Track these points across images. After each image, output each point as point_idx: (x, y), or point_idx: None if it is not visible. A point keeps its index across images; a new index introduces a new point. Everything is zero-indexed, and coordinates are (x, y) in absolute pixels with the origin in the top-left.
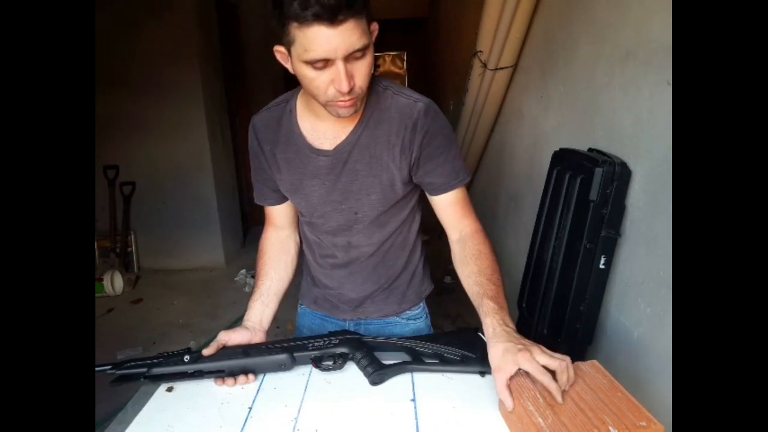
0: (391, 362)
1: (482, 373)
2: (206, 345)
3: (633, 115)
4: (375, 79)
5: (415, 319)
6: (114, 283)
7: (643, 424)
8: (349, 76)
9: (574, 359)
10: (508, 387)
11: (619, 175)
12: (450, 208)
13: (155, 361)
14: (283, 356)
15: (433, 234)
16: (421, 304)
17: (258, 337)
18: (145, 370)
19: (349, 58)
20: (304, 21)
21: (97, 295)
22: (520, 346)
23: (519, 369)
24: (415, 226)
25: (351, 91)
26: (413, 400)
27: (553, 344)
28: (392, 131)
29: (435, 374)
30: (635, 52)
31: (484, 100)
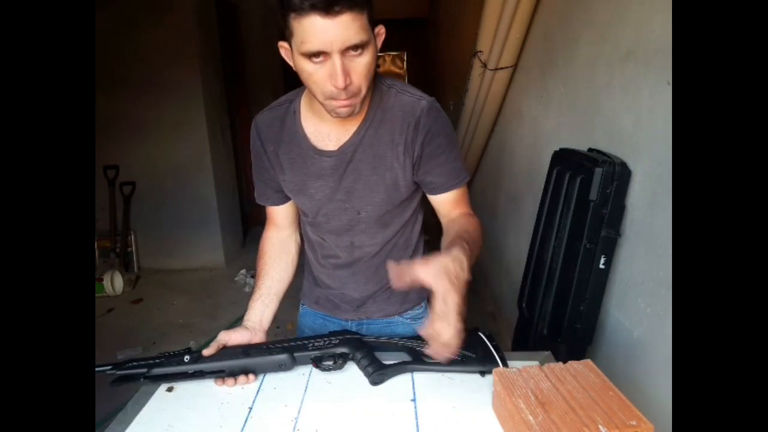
0: (392, 362)
1: (482, 373)
2: (206, 345)
3: (633, 115)
4: (379, 77)
5: (417, 319)
6: (114, 283)
7: (634, 423)
8: (346, 72)
9: (574, 359)
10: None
11: (619, 175)
12: (448, 205)
13: (155, 361)
14: (283, 356)
15: (434, 234)
16: (423, 303)
17: (258, 337)
18: (145, 370)
19: (346, 54)
20: (301, 11)
21: (97, 295)
22: (453, 278)
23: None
24: (418, 226)
25: (348, 88)
26: (413, 400)
27: (553, 344)
28: (395, 130)
29: (435, 374)
30: (635, 52)
31: (484, 100)
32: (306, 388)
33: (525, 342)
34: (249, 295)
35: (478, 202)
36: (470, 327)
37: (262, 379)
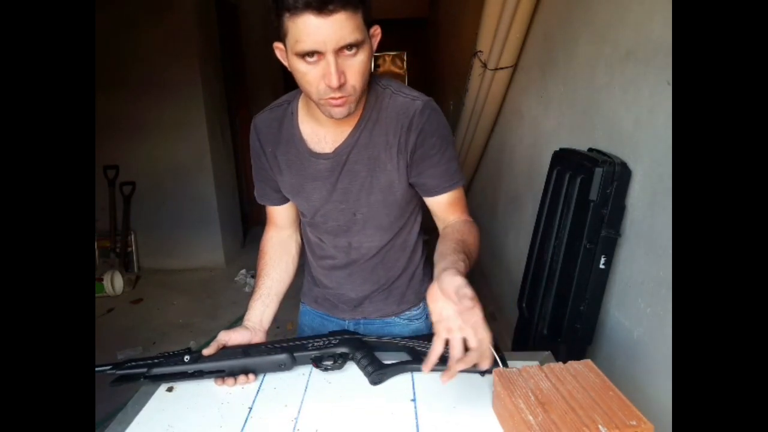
0: (391, 362)
1: (482, 373)
2: (206, 345)
3: (633, 115)
4: (375, 78)
5: (415, 320)
6: (114, 283)
7: (634, 423)
8: (340, 72)
9: (574, 359)
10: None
11: (619, 175)
12: (443, 208)
13: (155, 361)
14: (283, 356)
15: (434, 235)
16: (421, 304)
17: (258, 337)
18: (145, 370)
19: (340, 53)
20: (295, 10)
21: (97, 295)
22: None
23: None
24: (416, 227)
25: (342, 88)
26: (413, 400)
27: (553, 344)
28: (390, 132)
29: (435, 374)
30: (635, 52)
31: (484, 100)
32: (306, 388)
33: (525, 342)
34: (249, 295)
35: (478, 202)
36: None
37: (262, 379)
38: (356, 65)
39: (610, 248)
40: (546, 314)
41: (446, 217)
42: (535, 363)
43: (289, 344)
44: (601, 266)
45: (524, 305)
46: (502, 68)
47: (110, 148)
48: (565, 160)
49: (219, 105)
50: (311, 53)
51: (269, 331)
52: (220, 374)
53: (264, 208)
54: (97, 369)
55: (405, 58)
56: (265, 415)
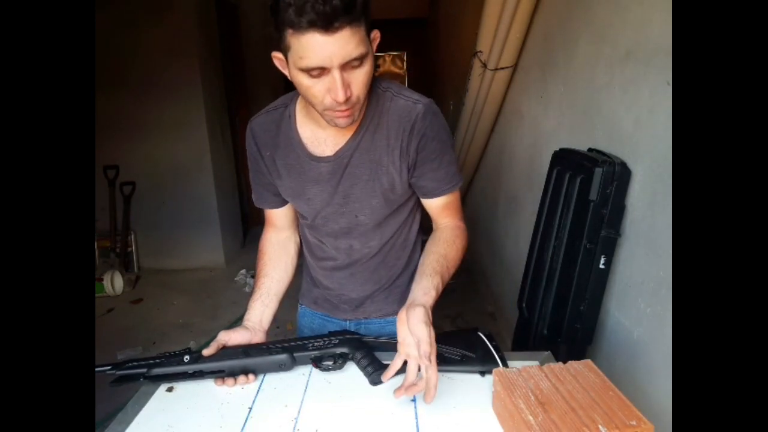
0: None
1: (482, 373)
2: (206, 345)
3: (633, 115)
4: (375, 80)
5: None
6: (114, 283)
7: (633, 423)
8: (346, 86)
9: (574, 359)
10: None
11: (619, 175)
12: (439, 210)
13: (155, 361)
14: (283, 356)
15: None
16: None
17: (258, 338)
18: (145, 370)
19: (346, 66)
20: (299, 28)
21: (97, 295)
22: (429, 324)
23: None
24: (416, 226)
25: (348, 100)
26: (413, 400)
27: (553, 344)
28: (391, 135)
29: None
30: (635, 52)
31: (484, 100)
32: (306, 388)
33: (525, 342)
34: (249, 295)
35: (477, 202)
36: (470, 327)
37: (262, 379)
38: (361, 76)
39: (610, 248)
40: (546, 314)
41: (440, 219)
42: (535, 363)
43: (289, 344)
44: (601, 266)
45: (524, 305)
46: (502, 68)
47: (110, 148)
48: (565, 160)
49: (219, 105)
50: (316, 69)
51: (269, 331)
52: (220, 374)
53: (263, 209)
54: (97, 369)
55: (405, 58)
56: (265, 415)
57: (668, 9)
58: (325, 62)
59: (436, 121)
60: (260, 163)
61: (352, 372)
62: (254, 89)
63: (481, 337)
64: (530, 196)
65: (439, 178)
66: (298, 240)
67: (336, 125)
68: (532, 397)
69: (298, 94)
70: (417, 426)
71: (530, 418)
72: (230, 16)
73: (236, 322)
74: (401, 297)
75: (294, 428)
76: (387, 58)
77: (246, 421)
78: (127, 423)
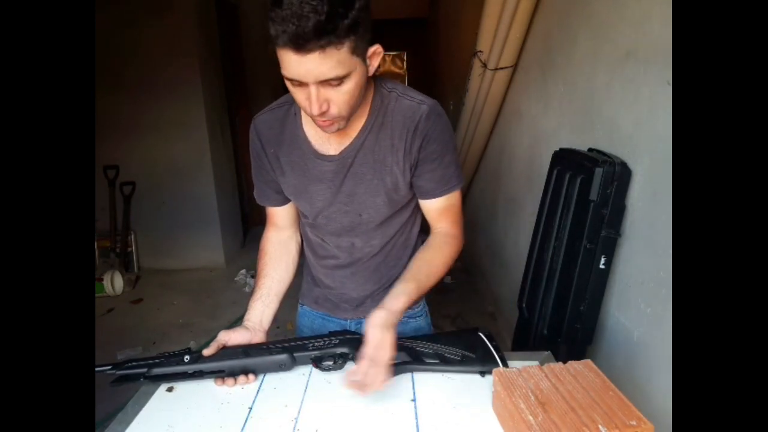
0: (391, 362)
1: (482, 373)
2: (206, 345)
3: (633, 115)
4: (381, 80)
5: (415, 318)
6: (114, 283)
7: (633, 423)
8: (321, 101)
9: (574, 359)
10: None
11: (619, 175)
12: (435, 213)
13: (155, 361)
14: (283, 356)
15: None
16: (422, 302)
17: (258, 338)
18: (145, 370)
19: (324, 83)
20: (277, 42)
21: (97, 295)
22: (387, 329)
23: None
24: (417, 225)
25: (325, 113)
26: (413, 400)
27: (553, 344)
28: (396, 135)
29: (435, 374)
30: (635, 51)
31: (484, 100)
32: (306, 388)
33: (525, 342)
34: (249, 295)
35: (477, 203)
36: (470, 327)
37: (262, 379)
38: (340, 94)
39: (610, 248)
40: (546, 314)
41: (435, 224)
42: (535, 363)
43: (290, 344)
44: (601, 266)
45: (524, 305)
46: (502, 68)
47: (110, 148)
48: (565, 160)
49: (219, 105)
50: (295, 80)
51: (269, 332)
52: (220, 374)
53: (264, 208)
54: (97, 369)
55: (405, 58)
56: (265, 415)
57: (668, 8)
58: (300, 77)
59: (439, 123)
60: (263, 159)
61: None
62: (254, 89)
63: (481, 337)
64: (530, 196)
65: (437, 179)
66: (299, 239)
67: (323, 131)
68: (532, 397)
69: None
70: (417, 426)
71: (530, 418)
72: (230, 16)
73: (236, 322)
74: None
75: (294, 428)
76: (387, 58)
77: (246, 421)
78: (127, 423)
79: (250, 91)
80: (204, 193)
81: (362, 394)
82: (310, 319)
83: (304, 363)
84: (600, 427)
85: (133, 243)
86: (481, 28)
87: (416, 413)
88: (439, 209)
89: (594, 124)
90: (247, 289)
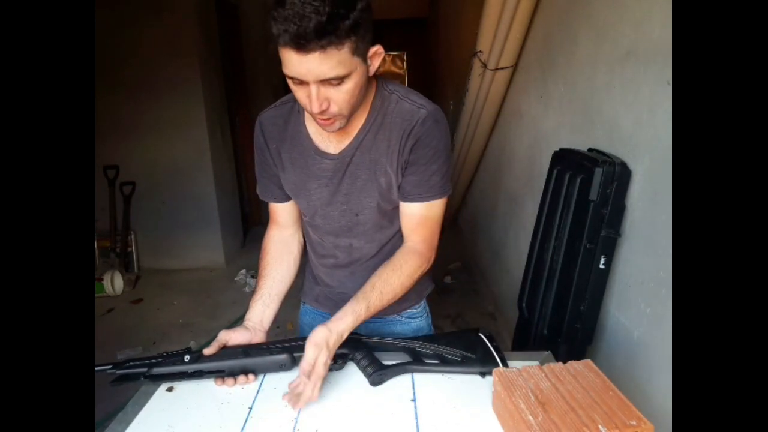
0: (391, 362)
1: (483, 374)
2: (206, 345)
3: (633, 115)
4: (383, 82)
5: (415, 318)
6: (114, 283)
7: (633, 423)
8: (322, 100)
9: (574, 359)
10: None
11: (619, 175)
12: (411, 220)
13: (155, 361)
14: (283, 356)
15: None
16: (422, 303)
17: (258, 338)
18: (145, 370)
19: (324, 82)
20: (278, 41)
21: (97, 295)
22: (323, 347)
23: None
24: None
25: (325, 112)
26: (413, 400)
27: (553, 344)
28: (393, 136)
29: (435, 374)
30: (635, 51)
31: (484, 100)
32: None
33: (525, 342)
34: (249, 295)
35: (477, 202)
36: (470, 327)
37: (262, 379)
38: (341, 94)
39: (610, 248)
40: (546, 314)
41: (408, 234)
42: (535, 363)
43: (290, 344)
44: (601, 266)
45: (524, 305)
46: (502, 68)
47: (110, 148)
48: (565, 160)
49: (219, 105)
50: (295, 79)
51: (269, 332)
52: (220, 374)
53: (265, 208)
54: (97, 369)
55: (405, 58)
56: (265, 415)
57: (668, 8)
58: (301, 76)
59: (435, 129)
60: (266, 154)
61: (352, 372)
62: (254, 89)
63: (481, 337)
64: (530, 196)
65: (417, 183)
66: (301, 238)
67: (324, 129)
68: (532, 397)
69: None
70: (417, 426)
71: (530, 418)
72: (230, 16)
73: (236, 322)
74: (401, 297)
75: (294, 428)
76: (387, 58)
77: (246, 421)
78: (127, 423)
79: (250, 91)
80: (204, 193)
81: (294, 408)
82: (312, 317)
83: None
84: (600, 427)
85: (133, 243)
86: (481, 28)
87: (416, 413)
88: (415, 218)
89: (594, 124)
90: (247, 289)
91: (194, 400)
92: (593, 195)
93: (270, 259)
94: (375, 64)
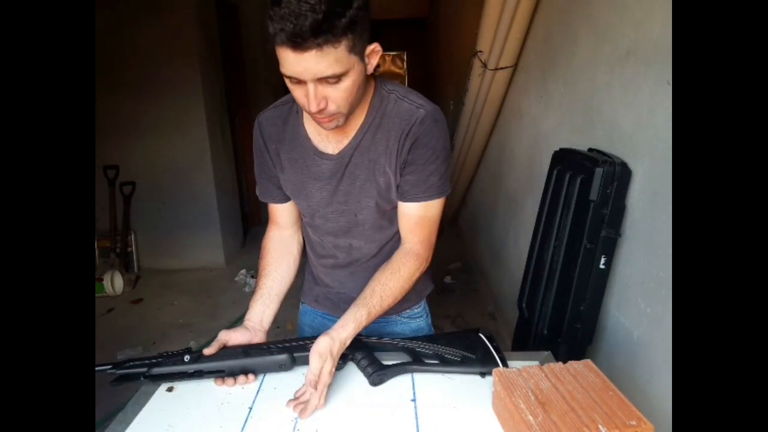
0: (391, 363)
1: (482, 374)
2: (206, 345)
3: (633, 115)
4: (381, 82)
5: (415, 318)
6: (114, 283)
7: (633, 423)
8: (320, 98)
9: (574, 359)
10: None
11: (619, 175)
12: (409, 221)
13: (155, 361)
14: (283, 356)
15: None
16: (422, 303)
17: (258, 338)
18: (145, 370)
19: (321, 81)
20: (275, 40)
21: (97, 295)
22: (327, 357)
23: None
24: None
25: (323, 111)
26: (413, 400)
27: (553, 344)
28: (391, 137)
29: (435, 374)
30: (635, 51)
31: (484, 100)
32: None
33: (525, 342)
34: (249, 295)
35: (477, 202)
36: (471, 327)
37: (262, 379)
38: (339, 92)
39: (610, 248)
40: (546, 314)
41: (405, 234)
42: (535, 363)
43: (290, 344)
44: (601, 266)
45: (524, 305)
46: (502, 68)
47: (110, 148)
48: (565, 160)
49: (219, 105)
50: (293, 78)
51: (269, 332)
52: (220, 374)
53: (264, 208)
54: (97, 369)
55: (405, 58)
56: (265, 415)
57: (668, 8)
58: (298, 75)
59: (434, 129)
60: (265, 155)
61: (352, 372)
62: (254, 89)
63: (481, 337)
64: (530, 196)
65: (415, 183)
66: (301, 239)
67: (322, 127)
68: (532, 397)
69: None
70: (417, 426)
71: (530, 418)
72: (230, 16)
73: (236, 322)
74: (401, 298)
75: (294, 428)
76: (387, 58)
77: (246, 421)
78: (127, 423)
79: (250, 91)
80: (204, 193)
81: (301, 417)
82: (311, 317)
83: (304, 363)
84: (600, 427)
85: (133, 243)
86: (481, 28)
87: (416, 413)
88: (413, 218)
89: (594, 124)
90: (247, 289)
91: (194, 400)
92: (593, 195)
93: (270, 259)
94: (373, 62)
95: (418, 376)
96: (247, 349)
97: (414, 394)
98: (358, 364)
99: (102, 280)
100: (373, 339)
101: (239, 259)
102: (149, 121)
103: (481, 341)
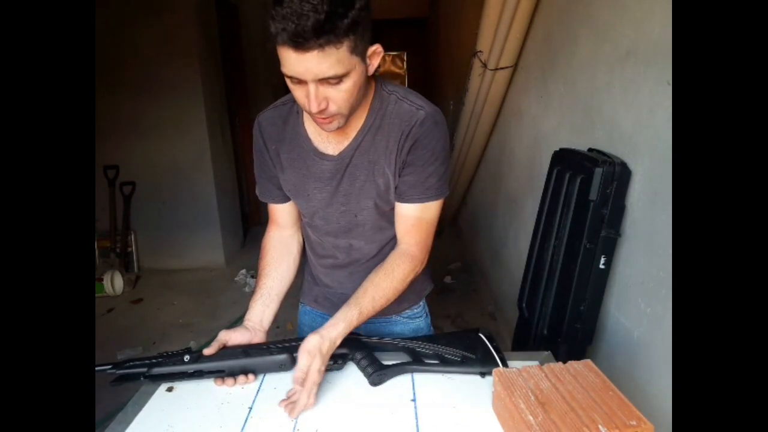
0: (391, 363)
1: (482, 374)
2: (206, 345)
3: (633, 115)
4: (381, 82)
5: (415, 318)
6: (114, 283)
7: (633, 423)
8: (320, 99)
9: (574, 359)
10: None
11: (619, 175)
12: (406, 221)
13: (155, 360)
14: (283, 356)
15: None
16: (422, 303)
17: (258, 338)
18: (145, 370)
19: (322, 81)
20: (277, 41)
21: (97, 295)
22: (316, 355)
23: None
24: None
25: (324, 111)
26: (413, 400)
27: (553, 344)
28: (391, 138)
29: (435, 374)
30: (635, 51)
31: (484, 100)
32: None
33: (525, 342)
34: (249, 295)
35: (477, 202)
36: (471, 327)
37: (262, 379)
38: (340, 93)
39: (610, 248)
40: (546, 314)
41: (402, 236)
42: (535, 363)
43: (290, 344)
44: (601, 266)
45: (524, 305)
46: (502, 68)
47: (110, 148)
48: (565, 160)
49: (219, 105)
50: (294, 78)
51: (269, 331)
52: (220, 374)
53: (264, 208)
54: (97, 369)
55: (405, 58)
56: (265, 415)
57: (668, 8)
58: (299, 75)
59: (434, 130)
60: (265, 155)
61: (352, 372)
62: (254, 89)
63: (481, 337)
64: (530, 196)
65: (413, 184)
66: (301, 239)
67: (323, 129)
68: (532, 397)
69: None
70: (417, 426)
71: (530, 418)
72: (230, 16)
73: (236, 322)
74: (401, 298)
75: (294, 428)
76: (387, 58)
77: (246, 421)
78: (127, 423)
79: (250, 91)
80: (204, 193)
81: (291, 416)
82: (311, 317)
83: None
84: (600, 427)
85: (133, 243)
86: (481, 28)
87: (416, 413)
88: (410, 219)
89: (594, 124)
90: (247, 289)
91: (194, 400)
92: (593, 195)
93: (270, 259)
94: (374, 63)
95: (418, 376)
96: (247, 349)
97: (414, 394)
98: (358, 364)
99: (102, 280)
100: (373, 339)
101: (239, 259)
102: (149, 121)
103: (481, 341)
